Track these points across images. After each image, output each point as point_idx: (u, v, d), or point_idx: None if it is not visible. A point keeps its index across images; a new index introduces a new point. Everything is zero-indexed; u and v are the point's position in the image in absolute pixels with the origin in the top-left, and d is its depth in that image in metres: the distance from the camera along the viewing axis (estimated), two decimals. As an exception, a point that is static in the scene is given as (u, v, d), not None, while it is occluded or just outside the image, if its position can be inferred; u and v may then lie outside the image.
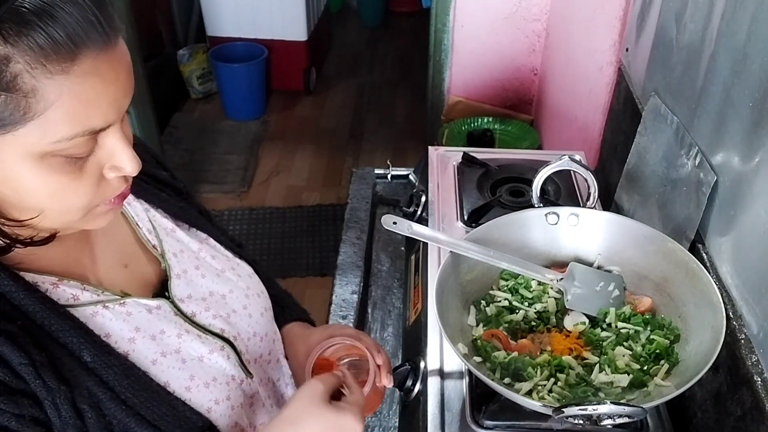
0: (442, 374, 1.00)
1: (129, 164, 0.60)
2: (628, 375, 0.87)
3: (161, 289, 0.76)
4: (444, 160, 1.45)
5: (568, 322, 0.98)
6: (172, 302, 0.75)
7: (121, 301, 0.70)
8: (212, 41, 3.76)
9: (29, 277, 0.64)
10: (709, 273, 0.91)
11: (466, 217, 1.26)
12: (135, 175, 0.62)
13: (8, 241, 0.59)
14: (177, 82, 3.84)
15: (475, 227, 1.04)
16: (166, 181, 0.86)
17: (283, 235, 2.99)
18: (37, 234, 0.61)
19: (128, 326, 0.69)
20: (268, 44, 3.71)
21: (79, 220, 0.62)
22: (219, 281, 0.82)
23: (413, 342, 1.11)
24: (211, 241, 0.86)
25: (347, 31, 4.86)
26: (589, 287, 0.99)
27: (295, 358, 0.92)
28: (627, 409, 0.74)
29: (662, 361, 0.88)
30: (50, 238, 0.62)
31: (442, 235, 0.97)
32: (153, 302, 0.73)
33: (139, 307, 0.71)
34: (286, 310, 0.97)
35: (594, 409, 0.74)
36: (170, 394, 0.69)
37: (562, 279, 0.99)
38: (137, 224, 0.78)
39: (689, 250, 0.96)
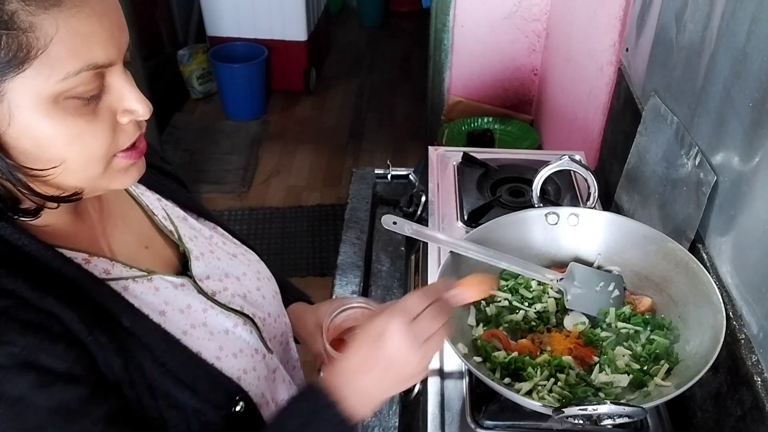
0: (442, 374, 1.00)
1: (139, 105, 0.61)
2: (628, 375, 0.87)
3: (182, 270, 0.78)
4: (444, 160, 1.45)
5: (568, 322, 0.98)
6: (194, 281, 0.77)
7: (149, 277, 0.72)
8: (212, 41, 3.76)
9: (63, 251, 0.65)
10: (709, 273, 0.91)
11: (466, 217, 1.26)
12: (147, 118, 0.63)
13: (37, 199, 0.60)
14: (177, 82, 3.84)
15: (475, 227, 1.04)
16: (172, 174, 0.89)
17: (283, 235, 2.99)
18: (63, 192, 0.62)
19: (158, 300, 0.71)
20: (268, 44, 3.71)
21: (102, 176, 0.62)
22: (233, 264, 0.84)
23: (413, 342, 1.11)
24: (219, 229, 0.89)
25: (347, 31, 4.86)
26: (589, 287, 0.99)
27: (305, 329, 0.95)
28: (627, 409, 0.74)
29: (662, 361, 0.88)
30: (76, 195, 0.63)
31: (442, 235, 0.97)
32: (177, 279, 0.75)
33: (165, 283, 0.73)
34: (287, 292, 0.99)
35: (594, 409, 0.74)
36: (204, 360, 0.71)
37: (562, 279, 0.99)
38: (152, 212, 0.80)
39: (689, 250, 0.96)
